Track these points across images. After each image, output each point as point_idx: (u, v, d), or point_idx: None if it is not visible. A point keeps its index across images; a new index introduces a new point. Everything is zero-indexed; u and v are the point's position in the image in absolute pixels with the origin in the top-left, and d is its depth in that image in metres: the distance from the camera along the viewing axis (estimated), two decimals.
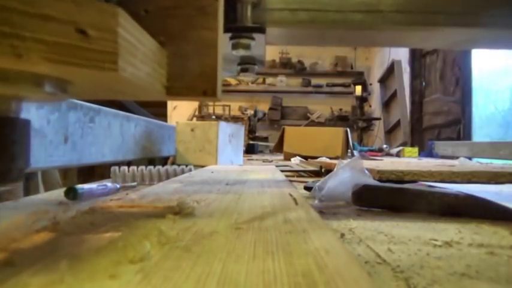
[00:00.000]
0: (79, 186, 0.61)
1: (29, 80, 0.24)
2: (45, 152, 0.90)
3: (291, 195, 0.54)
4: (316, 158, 1.79)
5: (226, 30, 0.65)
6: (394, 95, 4.23)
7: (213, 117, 4.71)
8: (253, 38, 0.66)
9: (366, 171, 0.66)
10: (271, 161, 2.13)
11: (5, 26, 0.20)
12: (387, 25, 0.63)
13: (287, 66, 5.49)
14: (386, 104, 4.56)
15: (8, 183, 0.25)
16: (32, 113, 0.87)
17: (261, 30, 0.66)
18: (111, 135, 1.30)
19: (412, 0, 0.62)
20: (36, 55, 0.21)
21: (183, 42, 0.36)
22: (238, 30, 0.65)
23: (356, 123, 5.00)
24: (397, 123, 4.08)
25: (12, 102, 0.26)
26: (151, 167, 0.91)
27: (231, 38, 0.66)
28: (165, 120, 4.49)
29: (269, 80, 5.56)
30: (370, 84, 5.37)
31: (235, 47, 0.67)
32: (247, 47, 0.66)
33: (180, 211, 0.39)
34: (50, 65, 0.22)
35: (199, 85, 0.37)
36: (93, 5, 0.23)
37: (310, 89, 5.57)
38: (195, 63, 0.37)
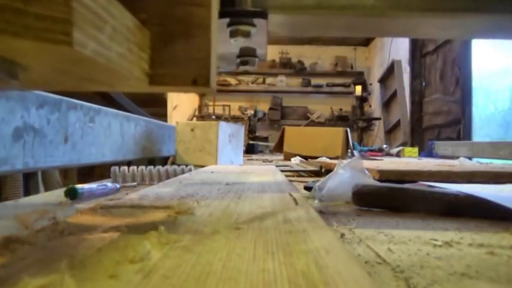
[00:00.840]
0: (79, 186, 0.61)
1: None
2: (45, 152, 0.90)
3: (291, 195, 0.54)
4: (316, 158, 1.79)
5: (222, 15, 0.57)
6: (394, 95, 4.23)
7: (213, 117, 4.71)
8: (253, 25, 0.58)
9: (366, 171, 0.66)
10: (271, 161, 2.13)
11: None
12: (402, 11, 0.58)
13: (287, 66, 5.49)
14: (386, 104, 4.56)
15: None
16: (32, 113, 0.87)
17: (263, 15, 0.58)
18: (111, 135, 1.30)
19: None
20: None
21: (168, 20, 0.30)
22: (236, 14, 0.57)
23: (356, 123, 5.00)
24: (397, 123, 4.08)
25: None
26: (151, 167, 0.91)
27: (228, 25, 0.59)
28: (165, 120, 4.49)
29: (269, 80, 5.56)
30: (370, 84, 5.37)
31: (233, 34, 0.58)
32: (247, 34, 0.58)
33: (180, 211, 0.39)
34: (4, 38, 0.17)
35: (188, 72, 0.31)
36: None
37: (310, 89, 5.57)
38: (183, 46, 0.30)
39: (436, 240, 0.40)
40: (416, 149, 3.03)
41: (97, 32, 0.21)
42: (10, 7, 0.17)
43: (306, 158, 2.00)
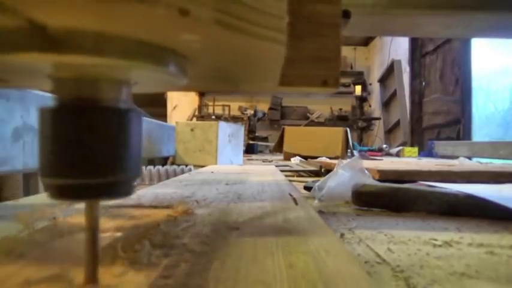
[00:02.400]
0: None
1: (150, 55, 0.18)
2: None
3: (290, 195, 0.54)
4: (316, 158, 1.79)
5: None
6: (394, 94, 4.23)
7: (213, 117, 4.71)
8: None
9: (366, 171, 0.66)
10: (271, 161, 2.13)
11: None
12: (404, 9, 0.57)
13: None
14: (386, 104, 4.56)
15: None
16: (32, 113, 0.87)
17: None
18: None
19: None
20: (206, 14, 0.14)
21: (297, 19, 0.29)
22: None
23: (356, 123, 5.00)
24: (397, 123, 4.08)
25: (120, 87, 0.19)
26: (151, 167, 0.91)
27: None
28: (165, 120, 4.48)
29: None
30: (370, 84, 5.37)
31: None
32: None
33: (179, 211, 0.39)
34: (219, 32, 0.16)
35: (317, 73, 0.30)
36: None
37: None
38: (313, 46, 0.30)
39: (435, 240, 0.40)
40: (416, 149, 3.03)
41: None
42: (239, 1, 0.16)
43: (305, 158, 2.00)
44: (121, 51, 0.16)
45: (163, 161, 1.77)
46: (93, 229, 0.19)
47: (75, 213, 0.38)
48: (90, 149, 0.18)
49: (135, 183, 0.20)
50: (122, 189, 0.19)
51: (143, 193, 0.57)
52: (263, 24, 0.17)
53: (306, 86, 0.31)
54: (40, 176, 0.18)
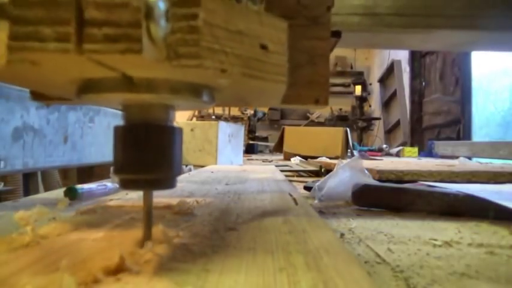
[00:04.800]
0: (79, 186, 0.61)
1: (190, 91, 0.25)
2: (45, 152, 0.90)
3: (290, 195, 0.54)
4: (316, 158, 1.79)
5: None
6: (393, 94, 4.23)
7: (213, 117, 4.70)
8: None
9: (366, 171, 0.66)
10: (271, 161, 2.13)
11: (215, 44, 0.21)
12: (384, 28, 0.64)
13: None
14: (386, 104, 4.56)
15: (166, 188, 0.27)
16: (32, 113, 0.87)
17: None
18: (110, 135, 1.30)
19: (408, 4, 0.62)
20: (237, 71, 0.22)
21: (295, 51, 0.37)
22: None
23: (356, 123, 5.00)
24: (397, 123, 4.08)
25: (169, 111, 0.27)
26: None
27: None
28: None
29: None
30: (370, 84, 5.37)
31: None
32: None
33: (180, 211, 0.39)
34: (242, 81, 0.23)
35: (311, 94, 0.38)
36: (270, 21, 0.24)
37: None
38: (307, 72, 0.38)
39: (435, 240, 0.40)
40: (416, 149, 3.03)
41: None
42: (260, 61, 0.24)
43: (305, 158, 2.00)
44: (172, 89, 0.24)
45: None
46: (148, 208, 0.27)
47: (75, 213, 0.38)
48: (148, 154, 0.25)
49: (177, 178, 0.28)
50: (169, 183, 0.27)
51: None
52: (271, 72, 0.24)
53: (302, 104, 0.39)
54: (114, 173, 0.27)
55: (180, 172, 0.28)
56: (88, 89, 0.24)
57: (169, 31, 0.19)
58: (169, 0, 0.19)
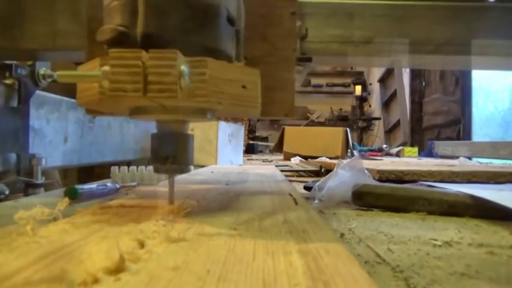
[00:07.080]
0: (79, 186, 0.61)
1: (200, 113, 0.39)
2: (45, 152, 0.90)
3: (291, 195, 0.54)
4: (316, 158, 1.79)
5: None
6: (393, 94, 4.23)
7: None
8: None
9: (366, 171, 0.66)
10: (271, 160, 2.13)
11: (215, 87, 0.35)
12: (358, 53, 0.76)
13: None
14: (386, 104, 4.56)
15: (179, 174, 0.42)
16: (32, 113, 0.87)
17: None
18: (110, 135, 1.30)
19: (376, 32, 0.74)
20: (228, 102, 0.36)
21: (271, 79, 0.52)
22: None
23: (356, 123, 5.00)
24: (397, 123, 4.08)
25: (186, 124, 0.42)
26: (152, 167, 0.91)
27: None
28: None
29: None
30: (370, 84, 5.37)
31: None
32: None
33: (180, 211, 0.39)
34: (232, 107, 0.38)
35: (282, 109, 0.53)
36: (248, 71, 0.39)
37: (310, 89, 5.57)
38: (280, 94, 0.53)
39: (435, 240, 0.40)
40: (416, 149, 3.03)
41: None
42: (242, 95, 0.38)
43: (305, 158, 2.00)
44: (189, 112, 0.38)
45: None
46: (171, 186, 0.42)
47: (75, 213, 0.38)
48: (173, 151, 0.40)
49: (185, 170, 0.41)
50: (185, 169, 0.41)
51: (143, 193, 0.57)
52: (249, 102, 0.39)
53: (276, 116, 0.54)
54: (151, 162, 0.41)
55: (193, 163, 0.42)
56: (138, 111, 0.38)
57: (190, 82, 0.33)
58: (190, 64, 0.33)
